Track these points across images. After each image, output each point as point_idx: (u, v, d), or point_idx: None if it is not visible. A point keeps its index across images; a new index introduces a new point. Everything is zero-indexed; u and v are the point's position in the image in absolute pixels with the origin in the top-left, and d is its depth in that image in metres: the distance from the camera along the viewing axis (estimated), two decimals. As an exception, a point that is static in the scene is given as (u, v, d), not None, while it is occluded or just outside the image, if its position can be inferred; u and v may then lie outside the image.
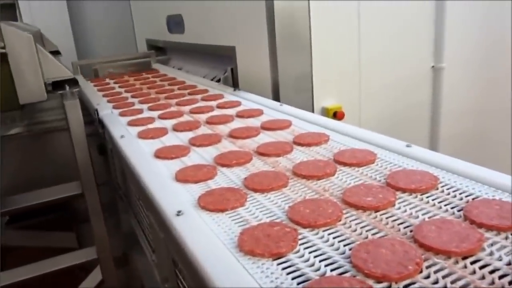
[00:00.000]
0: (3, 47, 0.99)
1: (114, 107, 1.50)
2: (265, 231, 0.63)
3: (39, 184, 1.50)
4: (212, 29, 2.06)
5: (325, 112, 1.74)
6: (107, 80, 2.25)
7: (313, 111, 1.71)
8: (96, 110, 1.37)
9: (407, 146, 0.92)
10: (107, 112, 1.37)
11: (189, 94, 1.72)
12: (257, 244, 0.59)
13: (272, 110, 1.36)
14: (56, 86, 1.21)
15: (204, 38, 2.15)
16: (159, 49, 2.96)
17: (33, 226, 1.67)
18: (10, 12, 2.26)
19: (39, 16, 3.42)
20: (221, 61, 2.03)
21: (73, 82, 1.23)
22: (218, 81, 1.96)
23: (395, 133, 1.78)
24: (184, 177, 0.87)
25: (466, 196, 0.70)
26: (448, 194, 0.71)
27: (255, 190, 0.78)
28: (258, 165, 0.92)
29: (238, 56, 1.83)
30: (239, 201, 0.74)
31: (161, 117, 1.37)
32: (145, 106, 1.53)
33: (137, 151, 1.04)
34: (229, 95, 1.64)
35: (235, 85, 1.85)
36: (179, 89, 1.83)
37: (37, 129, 1.54)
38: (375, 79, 1.86)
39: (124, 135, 1.11)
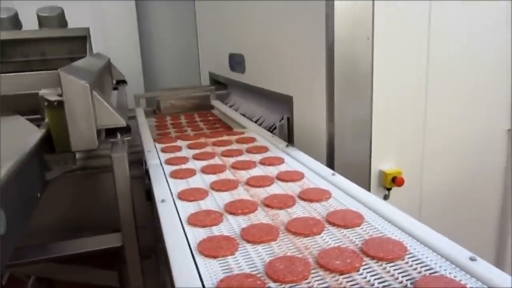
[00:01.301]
0: (61, 95, 1.18)
1: (162, 150, 1.63)
2: (240, 281, 0.75)
3: (86, 224, 1.64)
4: (271, 74, 2.12)
5: (382, 176, 1.66)
6: (163, 116, 2.41)
7: (369, 175, 1.64)
8: (144, 162, 1.47)
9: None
10: (155, 162, 1.46)
11: (237, 142, 1.75)
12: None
13: (317, 176, 1.29)
14: (109, 132, 1.34)
15: (263, 82, 2.22)
16: (220, 83, 3.14)
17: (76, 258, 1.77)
18: (81, 44, 2.51)
19: (112, 43, 3.75)
20: (279, 105, 2.07)
21: (126, 130, 1.36)
22: (274, 128, 2.03)
23: (461, 203, 1.76)
24: (194, 221, 1.01)
25: (425, 270, 0.77)
26: (411, 266, 0.79)
27: (248, 241, 0.90)
28: (260, 216, 1.04)
29: (295, 106, 1.84)
30: (229, 250, 0.86)
31: (204, 171, 1.39)
32: (191, 153, 1.60)
33: (172, 219, 1.02)
34: (277, 150, 1.60)
35: (290, 137, 1.89)
36: (228, 135, 1.89)
37: (88, 168, 1.69)
38: (441, 141, 1.75)
39: (165, 199, 1.12)
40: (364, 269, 0.79)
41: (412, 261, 0.81)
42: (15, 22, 2.59)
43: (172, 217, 1.03)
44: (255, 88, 2.34)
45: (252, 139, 1.77)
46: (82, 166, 1.75)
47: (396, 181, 1.63)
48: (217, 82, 3.21)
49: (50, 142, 1.36)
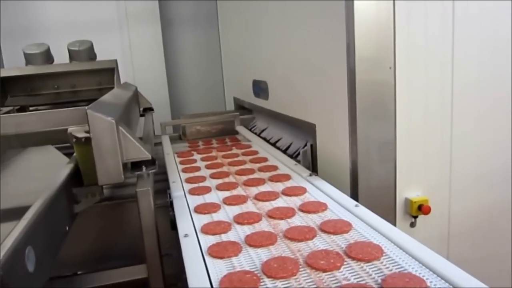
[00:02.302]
0: (88, 131, 1.23)
1: (186, 180, 1.67)
2: (240, 277, 0.89)
3: (113, 253, 1.67)
4: (294, 102, 2.13)
5: (408, 204, 1.63)
6: (187, 145, 2.45)
7: (395, 203, 1.61)
8: (169, 194, 1.50)
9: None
10: (179, 194, 1.49)
11: (259, 170, 1.76)
12: (231, 284, 0.87)
13: (341, 207, 1.28)
14: (135, 164, 1.39)
15: (286, 109, 2.24)
16: (245, 108, 3.18)
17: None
18: (109, 75, 2.59)
19: (139, 72, 3.86)
20: (303, 131, 2.08)
21: (151, 163, 1.40)
22: (297, 154, 2.04)
23: (491, 234, 1.71)
24: (206, 230, 1.16)
25: (397, 269, 0.88)
26: (385, 265, 0.91)
27: (250, 245, 1.05)
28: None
29: (318, 134, 1.84)
30: (234, 252, 1.01)
31: (226, 201, 1.40)
32: (214, 183, 1.62)
33: (194, 253, 1.04)
34: (300, 179, 1.60)
35: (313, 163, 1.89)
36: (251, 161, 1.92)
37: (115, 199, 1.74)
38: (469, 168, 1.70)
39: (188, 234, 1.14)
40: (344, 268, 0.91)
41: (387, 261, 0.92)
42: (47, 56, 2.70)
43: (194, 251, 1.05)
44: (279, 115, 2.36)
45: (275, 167, 1.78)
46: (109, 196, 1.79)
47: (423, 209, 1.60)
48: (242, 107, 3.26)
49: (78, 176, 1.41)
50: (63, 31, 3.58)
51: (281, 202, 1.38)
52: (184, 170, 1.83)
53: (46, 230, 1.04)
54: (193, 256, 1.01)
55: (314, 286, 0.86)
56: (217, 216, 1.29)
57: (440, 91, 1.63)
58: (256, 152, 2.10)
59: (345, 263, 0.94)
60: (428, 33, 1.58)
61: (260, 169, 1.77)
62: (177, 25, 4.15)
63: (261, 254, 1.01)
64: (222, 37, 3.92)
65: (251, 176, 1.69)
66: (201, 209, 1.33)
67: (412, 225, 1.66)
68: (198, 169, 1.85)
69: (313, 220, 1.20)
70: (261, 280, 0.88)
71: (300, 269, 0.92)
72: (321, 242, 1.06)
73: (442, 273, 0.86)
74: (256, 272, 0.91)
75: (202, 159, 2.04)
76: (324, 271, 0.91)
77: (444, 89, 1.64)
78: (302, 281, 0.87)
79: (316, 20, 1.80)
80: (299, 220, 1.21)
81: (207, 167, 1.88)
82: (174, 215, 1.30)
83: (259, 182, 1.59)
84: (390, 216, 1.60)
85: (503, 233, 1.78)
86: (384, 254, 0.96)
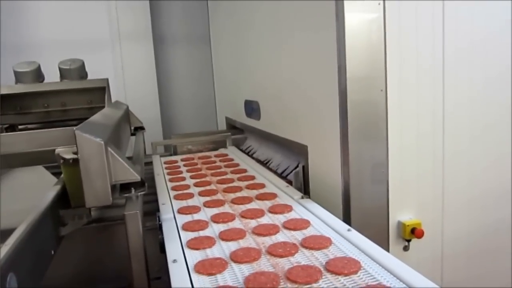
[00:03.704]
0: (76, 152, 1.20)
1: (175, 197, 1.66)
2: None
3: (101, 275, 1.62)
4: (286, 122, 2.12)
5: (401, 228, 1.61)
6: (179, 163, 2.38)
7: (388, 226, 1.59)
8: (158, 217, 1.46)
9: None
10: (168, 216, 1.46)
11: (247, 188, 1.75)
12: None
13: (332, 231, 1.25)
14: (124, 186, 1.35)
15: (278, 129, 2.22)
16: (237, 128, 3.16)
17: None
18: (100, 94, 2.57)
19: (131, 91, 3.85)
20: (295, 151, 2.05)
21: (140, 184, 1.37)
22: (290, 172, 2.02)
23: (484, 256, 1.69)
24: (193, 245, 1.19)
25: (373, 283, 0.92)
26: (361, 279, 0.94)
27: (235, 261, 1.07)
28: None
29: (310, 155, 1.82)
30: (218, 269, 1.03)
31: (213, 220, 1.40)
32: (202, 200, 1.63)
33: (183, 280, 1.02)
34: (292, 201, 1.55)
35: (305, 185, 1.86)
36: (239, 179, 1.90)
37: (103, 220, 1.70)
38: (461, 191, 1.69)
39: (177, 259, 1.11)
40: (322, 281, 0.95)
41: (364, 275, 0.96)
42: (37, 74, 2.68)
43: (182, 277, 1.02)
44: (271, 135, 2.35)
45: (273, 195, 1.64)
46: (97, 218, 1.76)
47: (416, 232, 1.58)
48: (234, 127, 3.24)
49: (65, 197, 1.38)
50: (55, 49, 3.56)
51: (266, 219, 1.38)
52: (173, 188, 1.82)
53: (30, 255, 1.01)
54: (181, 281, 0.99)
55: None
56: (204, 233, 1.30)
57: (432, 112, 1.63)
58: (245, 171, 2.07)
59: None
60: (420, 53, 1.58)
61: (248, 187, 1.76)
62: (170, 43, 4.16)
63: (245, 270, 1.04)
64: (214, 56, 3.92)
65: (238, 194, 1.68)
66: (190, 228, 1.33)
67: (406, 248, 1.64)
68: (184, 179, 1.92)
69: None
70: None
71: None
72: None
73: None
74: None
75: (189, 171, 2.09)
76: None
77: (436, 110, 1.64)
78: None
79: (307, 40, 1.80)
80: (282, 237, 1.22)
81: (193, 177, 1.95)
82: (163, 238, 1.27)
83: (247, 200, 1.59)
84: (383, 240, 1.58)
85: (496, 254, 1.77)
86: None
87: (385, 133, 1.55)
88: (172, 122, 4.21)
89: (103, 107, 2.45)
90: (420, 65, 1.59)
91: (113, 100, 2.74)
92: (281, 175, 2.10)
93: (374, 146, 1.56)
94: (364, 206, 1.57)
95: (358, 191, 1.56)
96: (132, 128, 2.88)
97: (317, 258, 1.07)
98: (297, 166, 1.98)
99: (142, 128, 2.94)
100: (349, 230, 1.23)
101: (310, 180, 1.85)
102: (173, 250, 1.17)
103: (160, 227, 1.38)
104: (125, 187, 1.39)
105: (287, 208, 1.45)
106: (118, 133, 1.81)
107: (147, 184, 1.46)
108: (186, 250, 1.16)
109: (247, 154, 2.67)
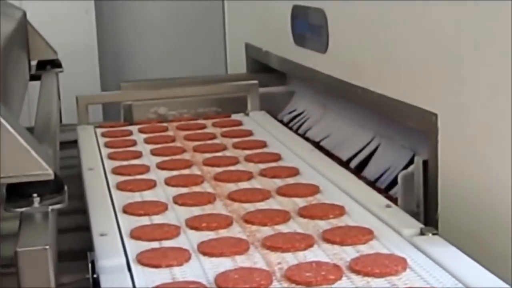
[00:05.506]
0: None
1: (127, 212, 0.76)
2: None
3: None
4: (390, 63, 0.98)
5: None
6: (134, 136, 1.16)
7: None
8: (92, 262, 0.63)
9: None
10: (112, 263, 0.62)
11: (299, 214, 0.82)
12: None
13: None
14: (16, 192, 0.60)
15: (367, 78, 1.04)
16: (270, 69, 1.60)
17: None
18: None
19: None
20: (403, 130, 1.01)
21: (53, 188, 0.59)
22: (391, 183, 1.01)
23: None
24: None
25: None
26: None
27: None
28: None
29: (443, 137, 0.82)
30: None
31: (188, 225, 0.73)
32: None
33: None
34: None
35: (426, 201, 0.73)
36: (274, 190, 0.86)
37: None
38: None
39: None
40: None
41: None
42: None
43: None
44: (353, 89, 1.10)
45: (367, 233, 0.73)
46: None
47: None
48: (264, 68, 1.65)
49: None
50: None
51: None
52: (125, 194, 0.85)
53: None
54: None
55: None
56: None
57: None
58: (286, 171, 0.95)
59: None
60: None
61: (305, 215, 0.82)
62: None
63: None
64: None
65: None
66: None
67: None
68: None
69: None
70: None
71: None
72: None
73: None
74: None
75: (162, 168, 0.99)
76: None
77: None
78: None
79: None
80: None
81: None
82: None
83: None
84: None
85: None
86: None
87: None
88: (125, 60, 2.15)
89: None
90: None
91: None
92: (372, 182, 1.04)
93: None
94: None
95: None
96: (35, 62, 1.49)
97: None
98: (409, 162, 1.01)
99: (56, 65, 1.51)
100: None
101: (441, 191, 0.87)
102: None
103: (94, 284, 0.62)
104: (20, 192, 0.63)
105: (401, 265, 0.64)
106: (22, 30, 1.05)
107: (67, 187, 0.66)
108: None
109: (292, 129, 1.37)
